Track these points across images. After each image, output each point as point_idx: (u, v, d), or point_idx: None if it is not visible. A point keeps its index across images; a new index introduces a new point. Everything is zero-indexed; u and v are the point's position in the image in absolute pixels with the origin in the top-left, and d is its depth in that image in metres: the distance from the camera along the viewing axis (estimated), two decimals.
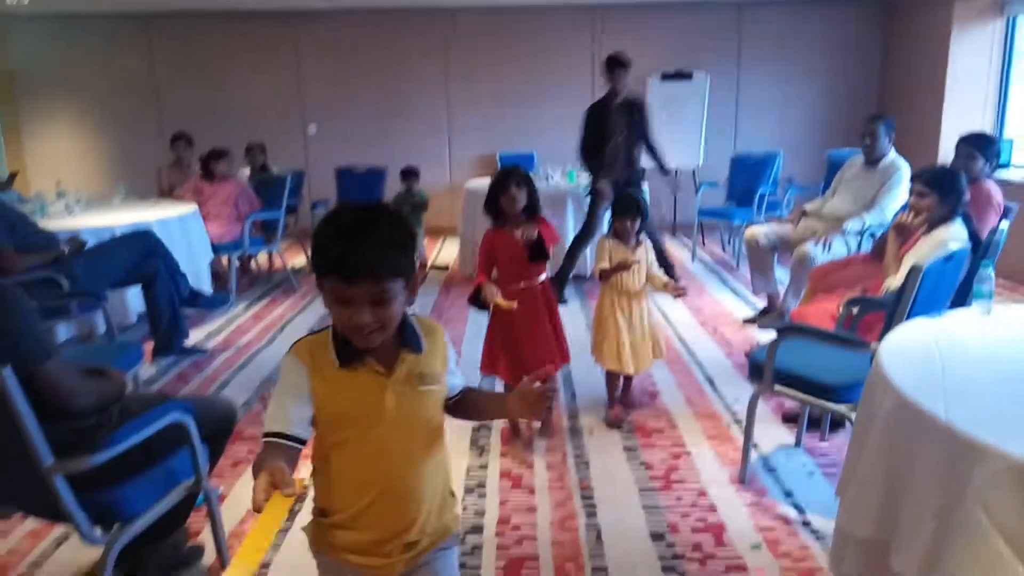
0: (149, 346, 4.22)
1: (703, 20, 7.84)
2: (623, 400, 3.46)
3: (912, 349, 1.96)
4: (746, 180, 6.59)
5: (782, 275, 4.91)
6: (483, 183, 6.40)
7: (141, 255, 4.13)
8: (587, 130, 5.44)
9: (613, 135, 5.38)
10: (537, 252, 2.88)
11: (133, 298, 4.56)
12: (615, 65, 5.20)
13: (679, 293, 3.13)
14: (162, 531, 2.24)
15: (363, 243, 1.21)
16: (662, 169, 5.51)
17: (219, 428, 2.33)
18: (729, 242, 7.06)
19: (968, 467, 1.47)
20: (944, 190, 2.92)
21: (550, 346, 3.03)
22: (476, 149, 8.24)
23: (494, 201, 2.91)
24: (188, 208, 5.20)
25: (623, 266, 3.08)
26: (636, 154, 5.42)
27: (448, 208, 8.08)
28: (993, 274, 2.22)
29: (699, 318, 4.91)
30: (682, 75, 7.59)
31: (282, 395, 1.31)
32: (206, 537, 2.44)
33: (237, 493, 2.82)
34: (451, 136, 8.24)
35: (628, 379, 3.44)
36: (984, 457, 1.43)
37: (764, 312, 4.77)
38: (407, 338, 1.36)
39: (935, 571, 1.55)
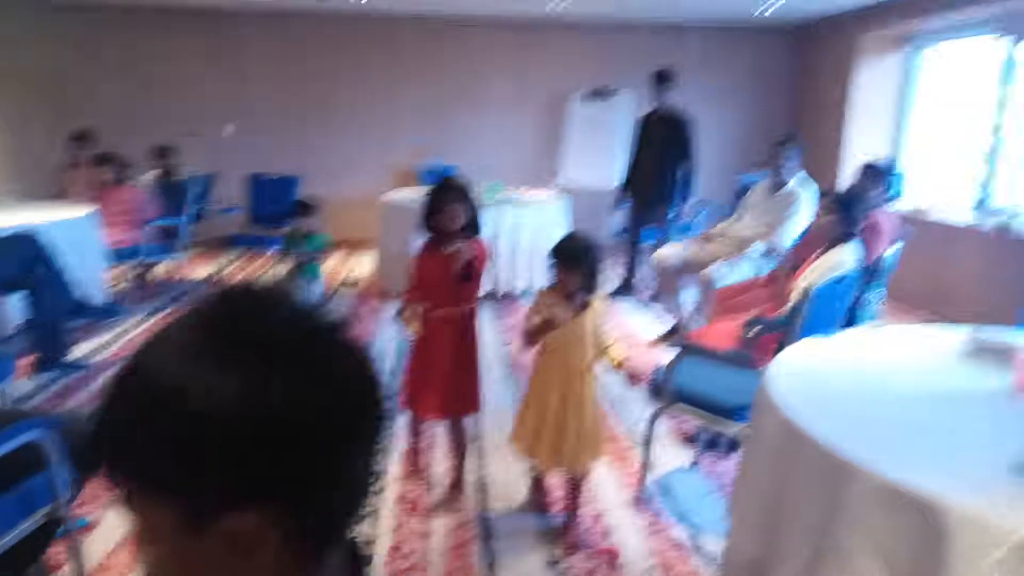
0: (29, 360, 3.93)
1: (628, 42, 7.95)
2: (566, 532, 2.57)
3: (798, 369, 1.98)
4: None
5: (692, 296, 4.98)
6: (401, 196, 6.29)
7: (20, 260, 3.85)
8: (633, 144, 5.73)
9: (644, 149, 5.57)
10: (465, 274, 2.59)
11: (13, 307, 4.24)
12: (654, 79, 5.48)
13: (634, 378, 2.44)
14: (16, 563, 2.05)
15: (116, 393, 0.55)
16: (683, 192, 5.58)
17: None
18: (642, 263, 7.15)
19: (841, 487, 1.47)
20: (847, 212, 3.01)
21: (454, 387, 2.70)
22: (396, 160, 8.11)
23: (430, 217, 2.60)
24: (82, 211, 4.91)
25: (548, 325, 2.36)
26: (667, 170, 5.49)
27: (364, 220, 7.92)
28: (878, 296, 2.28)
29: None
30: (603, 94, 7.69)
31: None
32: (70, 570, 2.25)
33: (110, 522, 2.62)
34: (371, 146, 8.09)
35: (574, 486, 2.59)
36: (855, 477, 1.44)
37: (671, 333, 4.82)
38: None
39: None
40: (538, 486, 2.73)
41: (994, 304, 4.95)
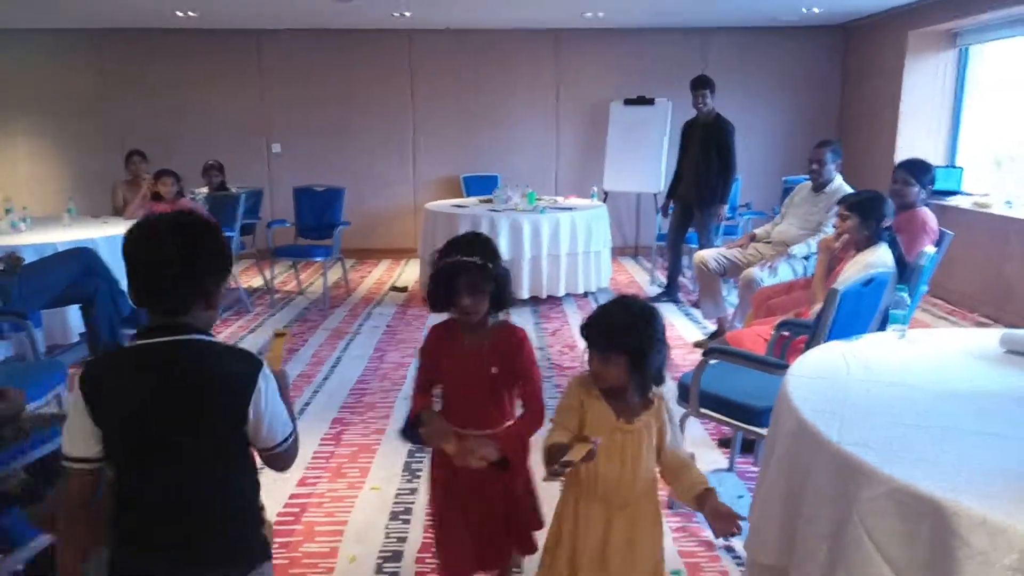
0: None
1: (666, 46, 7.93)
2: None
3: (819, 372, 1.96)
4: None
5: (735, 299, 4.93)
6: (442, 205, 6.38)
7: (79, 273, 4.05)
8: (679, 150, 5.83)
9: (686, 155, 5.65)
10: (501, 465, 1.77)
11: (74, 317, 4.46)
12: (692, 85, 5.53)
13: (724, 528, 1.58)
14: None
15: None
16: (723, 196, 5.56)
17: None
18: (689, 266, 7.09)
19: (855, 490, 1.46)
20: (864, 213, 2.95)
21: (498, 531, 1.92)
22: (440, 170, 8.23)
23: (444, 298, 1.80)
24: None
25: (580, 459, 1.50)
26: (707, 176, 5.52)
27: (411, 230, 8.07)
28: (908, 298, 2.23)
29: None
30: (644, 100, 7.67)
31: None
32: None
33: None
34: (415, 157, 8.23)
35: None
36: (868, 480, 1.43)
37: (714, 336, 4.78)
38: None
39: None
40: None
41: None
